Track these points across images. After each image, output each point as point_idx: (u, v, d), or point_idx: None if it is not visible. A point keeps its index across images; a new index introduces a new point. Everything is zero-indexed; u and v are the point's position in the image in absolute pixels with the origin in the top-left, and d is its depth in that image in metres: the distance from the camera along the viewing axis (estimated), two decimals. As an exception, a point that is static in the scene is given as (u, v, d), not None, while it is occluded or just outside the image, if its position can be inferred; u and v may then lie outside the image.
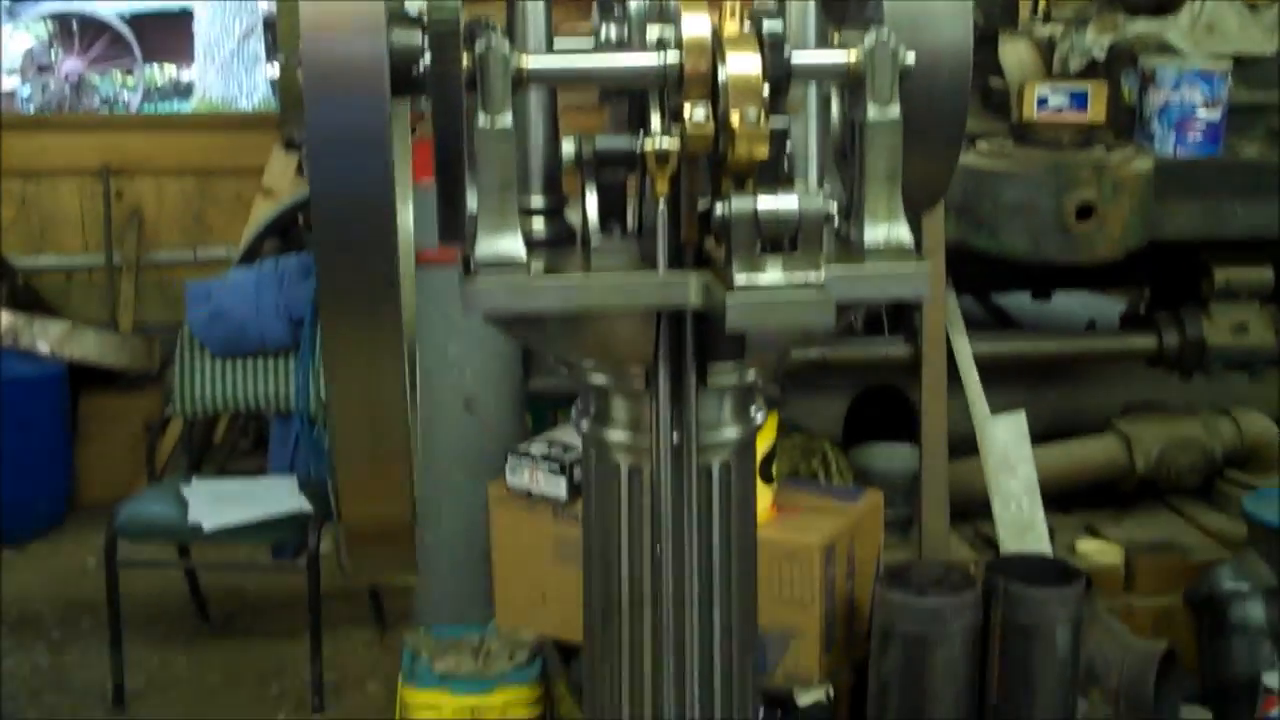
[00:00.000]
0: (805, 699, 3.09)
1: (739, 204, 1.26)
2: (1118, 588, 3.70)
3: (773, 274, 1.27)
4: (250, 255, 5.08)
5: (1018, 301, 4.64)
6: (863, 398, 4.12)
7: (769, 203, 1.26)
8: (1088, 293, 4.82)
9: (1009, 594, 3.02)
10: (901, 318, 3.86)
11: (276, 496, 4.24)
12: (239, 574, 4.90)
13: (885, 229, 1.35)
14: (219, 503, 4.18)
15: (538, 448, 3.37)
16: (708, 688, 1.57)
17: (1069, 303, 4.76)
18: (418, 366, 1.61)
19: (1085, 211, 3.47)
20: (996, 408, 3.63)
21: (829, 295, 1.27)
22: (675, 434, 1.45)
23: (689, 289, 1.34)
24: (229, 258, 5.44)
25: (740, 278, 1.26)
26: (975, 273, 4.01)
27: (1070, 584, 3.07)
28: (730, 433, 1.52)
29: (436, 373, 3.64)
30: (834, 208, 1.30)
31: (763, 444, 3.11)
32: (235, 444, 5.63)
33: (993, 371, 3.73)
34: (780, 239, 1.27)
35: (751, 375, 1.51)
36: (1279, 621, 3.25)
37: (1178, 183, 3.63)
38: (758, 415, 1.57)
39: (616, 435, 1.52)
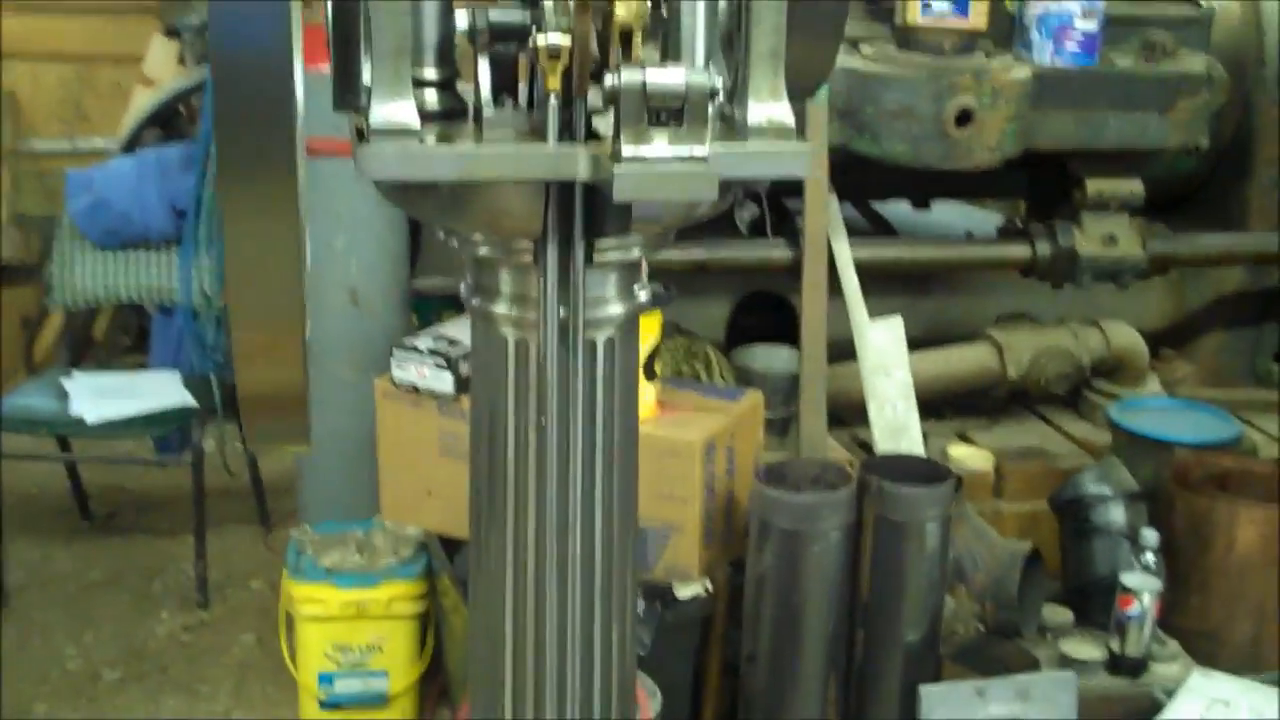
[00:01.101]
0: (684, 592, 3.15)
1: (628, 76, 1.29)
2: (987, 493, 3.83)
3: (659, 147, 1.31)
4: (131, 145, 4.98)
5: (897, 212, 4.73)
6: (746, 302, 4.19)
7: (657, 75, 1.30)
8: (966, 205, 4.93)
9: (882, 491, 3.09)
10: (784, 222, 3.92)
11: (160, 390, 4.22)
12: (121, 471, 4.88)
13: (768, 109, 1.39)
14: (101, 396, 4.15)
15: (424, 342, 3.38)
16: (590, 561, 1.62)
17: (948, 215, 4.86)
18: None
19: (964, 117, 3.55)
20: (875, 314, 3.72)
21: (712, 170, 1.31)
22: (561, 308, 1.49)
23: (579, 161, 1.37)
24: (108, 149, 5.35)
25: (628, 149, 1.30)
26: (857, 181, 4.08)
27: (941, 483, 3.15)
28: (615, 309, 1.56)
29: (322, 265, 3.63)
30: (720, 83, 1.34)
31: (646, 342, 3.15)
32: (115, 341, 5.57)
33: (872, 278, 3.81)
34: (667, 113, 1.31)
35: (636, 252, 1.55)
36: (1138, 524, 3.37)
37: (1054, 92, 3.71)
38: (642, 294, 1.62)
39: (503, 309, 1.56)
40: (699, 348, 3.91)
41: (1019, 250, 4.02)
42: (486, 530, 1.68)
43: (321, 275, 3.65)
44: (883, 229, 4.59)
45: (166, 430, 4.26)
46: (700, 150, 1.31)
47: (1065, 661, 3.26)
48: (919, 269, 4.16)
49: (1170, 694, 3.09)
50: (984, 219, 4.79)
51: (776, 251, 3.81)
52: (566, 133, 1.39)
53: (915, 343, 3.81)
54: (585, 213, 1.45)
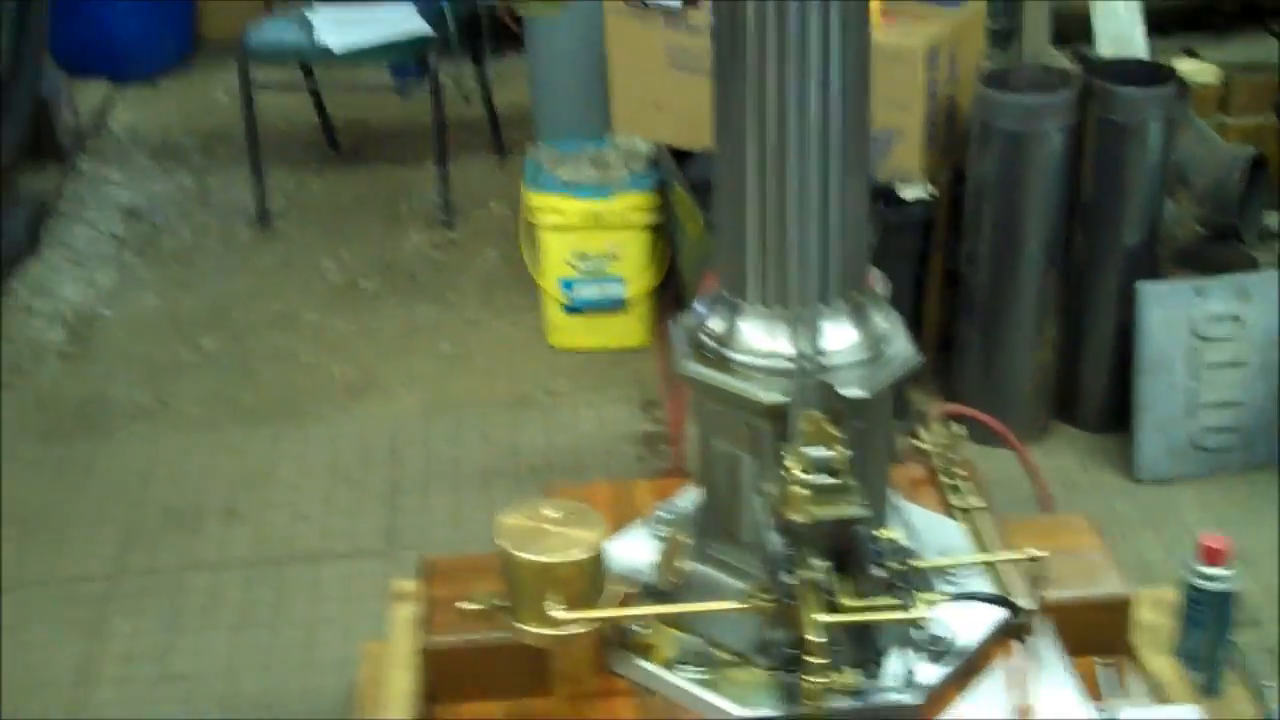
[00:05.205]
0: (908, 193, 3.26)
1: None
2: (1213, 107, 3.82)
3: None
4: None
5: None
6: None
7: None
8: None
9: (1104, 93, 3.13)
10: None
11: (398, 20, 4.39)
12: (363, 107, 5.13)
13: None
14: (344, 25, 4.35)
15: (651, -43, 3.47)
16: (824, 105, 1.75)
17: None
18: None
19: None
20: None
21: None
22: None
23: None
24: None
25: None
26: None
27: (1163, 85, 3.17)
28: None
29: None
30: None
31: (872, -51, 3.19)
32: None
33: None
34: None
35: None
36: (1370, 125, 3.35)
37: None
38: None
39: None
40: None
41: None
42: (729, 91, 1.81)
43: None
44: None
45: (406, 57, 4.45)
46: None
47: (1285, 263, 3.31)
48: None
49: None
50: None
51: None
52: None
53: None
54: None
